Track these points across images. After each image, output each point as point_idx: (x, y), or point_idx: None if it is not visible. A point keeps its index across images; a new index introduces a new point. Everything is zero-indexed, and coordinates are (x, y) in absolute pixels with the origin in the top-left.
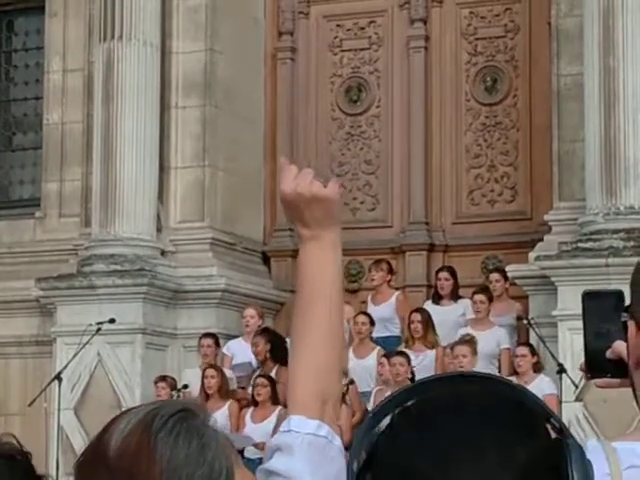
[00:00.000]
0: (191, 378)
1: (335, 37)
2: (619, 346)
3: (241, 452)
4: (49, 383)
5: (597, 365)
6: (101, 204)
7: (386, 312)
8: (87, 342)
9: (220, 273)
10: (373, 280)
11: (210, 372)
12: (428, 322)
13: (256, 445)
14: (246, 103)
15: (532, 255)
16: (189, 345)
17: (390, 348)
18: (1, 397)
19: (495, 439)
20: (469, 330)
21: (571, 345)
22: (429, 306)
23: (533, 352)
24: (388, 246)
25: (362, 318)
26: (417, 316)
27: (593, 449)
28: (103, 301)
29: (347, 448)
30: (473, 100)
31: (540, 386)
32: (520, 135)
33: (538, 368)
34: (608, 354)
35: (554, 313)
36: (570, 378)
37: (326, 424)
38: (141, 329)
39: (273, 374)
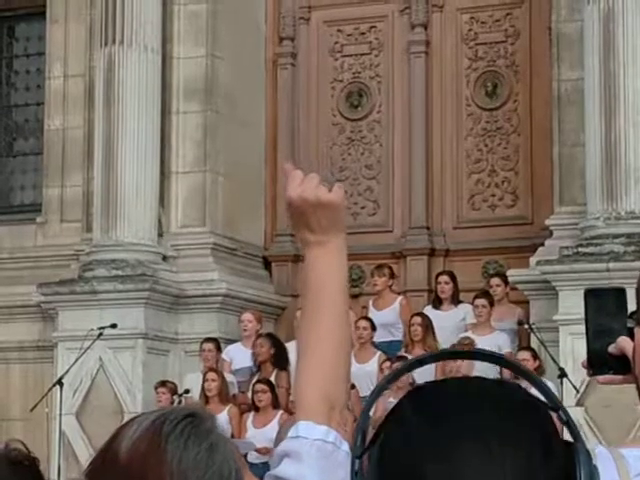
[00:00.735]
0: (193, 383)
1: (336, 42)
2: (622, 342)
3: (244, 457)
4: (50, 388)
5: (599, 362)
6: (102, 209)
7: (389, 317)
8: (88, 347)
9: (221, 278)
10: (376, 285)
11: (211, 375)
12: (428, 326)
13: (258, 450)
14: (247, 108)
15: (533, 260)
16: (190, 350)
17: (393, 353)
18: (2, 402)
19: (500, 430)
20: (469, 334)
21: (572, 350)
22: (430, 311)
23: (535, 356)
24: (389, 251)
25: (363, 323)
26: (417, 319)
27: (602, 455)
28: (104, 306)
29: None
30: (474, 105)
31: None
32: (521, 140)
33: (540, 372)
34: (611, 349)
35: (555, 318)
36: (571, 382)
37: (334, 430)
38: (142, 334)
39: (272, 378)
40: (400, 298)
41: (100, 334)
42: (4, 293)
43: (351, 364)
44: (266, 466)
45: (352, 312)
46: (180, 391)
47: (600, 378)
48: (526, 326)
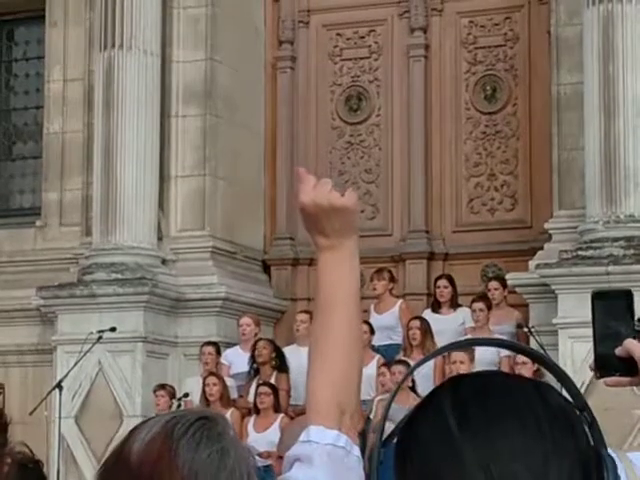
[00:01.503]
0: (192, 386)
1: (335, 46)
2: (629, 344)
3: None
4: (50, 392)
5: (606, 364)
6: (102, 213)
7: (390, 320)
8: (88, 350)
9: (220, 282)
10: (375, 289)
11: (212, 380)
12: (427, 330)
13: (260, 454)
14: (246, 112)
15: (532, 263)
16: (190, 353)
17: (392, 356)
18: (1, 406)
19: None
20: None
21: (571, 353)
22: (429, 315)
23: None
24: (388, 255)
25: (362, 327)
26: (416, 323)
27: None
28: (104, 310)
29: None
30: (473, 109)
31: None
32: (520, 144)
33: (539, 376)
34: (618, 352)
35: (554, 321)
36: None
37: (344, 434)
38: (142, 337)
39: (272, 381)
40: (400, 302)
41: (99, 337)
42: (3, 297)
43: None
44: (268, 470)
45: None
46: (179, 395)
47: (607, 380)
48: (525, 329)
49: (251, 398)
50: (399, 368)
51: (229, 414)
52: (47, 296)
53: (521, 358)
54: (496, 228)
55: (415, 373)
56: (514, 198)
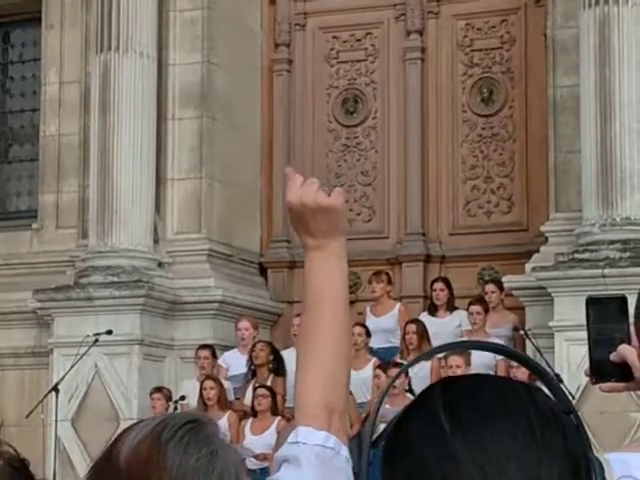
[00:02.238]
0: (189, 389)
1: (331, 49)
2: (623, 349)
3: None
4: (46, 394)
5: (602, 370)
6: (98, 216)
7: (388, 323)
8: (84, 353)
9: (217, 284)
10: (374, 292)
11: (209, 384)
12: (423, 333)
13: (256, 456)
14: (242, 115)
15: (528, 266)
16: (186, 356)
17: (392, 359)
18: None
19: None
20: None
21: (567, 356)
22: (425, 317)
23: None
24: (384, 257)
25: (358, 329)
26: (412, 327)
27: None
28: (100, 312)
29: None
30: (469, 111)
31: None
32: (516, 146)
33: (534, 379)
34: (612, 357)
35: (550, 324)
36: (567, 389)
37: (333, 435)
38: (138, 340)
39: (268, 384)
40: (399, 305)
41: (96, 340)
42: (0, 299)
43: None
44: (264, 472)
45: None
46: (175, 397)
47: (603, 386)
48: (522, 332)
49: (247, 401)
50: (395, 371)
51: (226, 417)
52: (43, 299)
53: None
54: (492, 231)
55: (412, 376)
56: (510, 201)
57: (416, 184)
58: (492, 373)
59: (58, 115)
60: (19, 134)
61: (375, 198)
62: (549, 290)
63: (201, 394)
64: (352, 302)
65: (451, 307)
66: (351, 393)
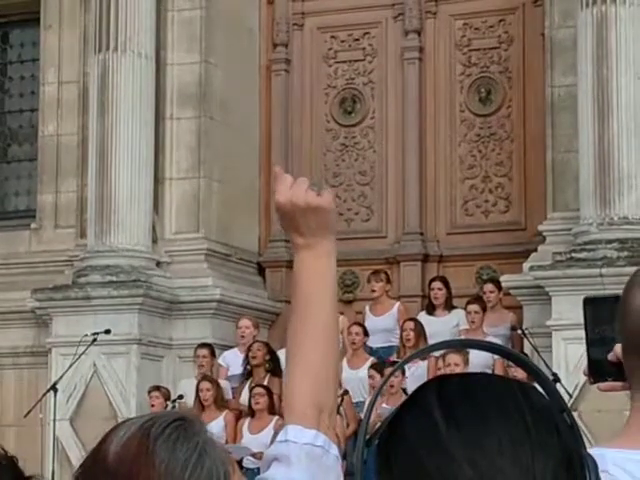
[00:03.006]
0: (187, 388)
1: (329, 48)
2: (619, 348)
3: (239, 462)
4: (44, 394)
5: (599, 370)
6: (96, 215)
7: (388, 322)
8: (83, 353)
9: (215, 284)
10: (374, 291)
11: (205, 385)
12: (420, 332)
13: (254, 455)
14: (241, 114)
15: (526, 265)
16: (184, 355)
17: (387, 358)
18: None
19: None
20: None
21: (565, 355)
22: (423, 317)
23: None
24: (383, 256)
25: (356, 329)
26: (410, 324)
27: None
28: (98, 312)
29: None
30: (467, 111)
31: None
32: (514, 146)
33: (532, 378)
34: (609, 357)
35: (548, 323)
36: (564, 388)
37: (322, 433)
38: (136, 340)
39: (265, 383)
40: (398, 304)
41: (94, 340)
42: None
43: (343, 370)
44: None
45: (345, 317)
46: (174, 397)
47: (601, 386)
48: (520, 331)
49: (243, 400)
50: (391, 370)
51: (223, 416)
52: (42, 298)
53: None
54: (490, 230)
55: (408, 375)
56: (508, 200)
57: (414, 184)
58: (489, 372)
59: (57, 115)
60: (18, 134)
61: (373, 198)
62: (547, 289)
63: (197, 395)
64: (350, 301)
65: (449, 306)
66: (348, 393)
